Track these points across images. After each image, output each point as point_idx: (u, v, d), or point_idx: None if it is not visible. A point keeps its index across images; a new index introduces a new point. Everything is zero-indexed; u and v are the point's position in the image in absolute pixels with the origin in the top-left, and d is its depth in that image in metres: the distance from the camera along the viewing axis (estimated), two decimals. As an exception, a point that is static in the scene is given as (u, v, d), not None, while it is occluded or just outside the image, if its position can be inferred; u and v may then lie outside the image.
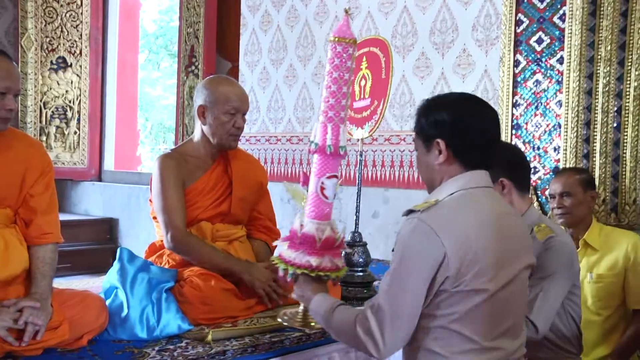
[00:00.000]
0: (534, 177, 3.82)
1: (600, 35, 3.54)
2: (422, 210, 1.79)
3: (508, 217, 1.90)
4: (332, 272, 1.93)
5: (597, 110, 3.56)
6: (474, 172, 1.88)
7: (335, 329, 1.87)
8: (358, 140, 3.24)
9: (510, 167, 2.51)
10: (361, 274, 2.95)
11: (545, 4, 3.79)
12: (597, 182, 3.55)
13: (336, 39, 1.93)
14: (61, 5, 7.37)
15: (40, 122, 7.32)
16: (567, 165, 3.62)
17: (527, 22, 3.85)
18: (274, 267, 2.68)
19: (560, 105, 3.68)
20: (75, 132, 7.51)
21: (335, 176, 1.95)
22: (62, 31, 7.40)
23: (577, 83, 3.59)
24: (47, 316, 2.09)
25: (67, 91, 7.46)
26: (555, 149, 3.72)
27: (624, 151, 3.53)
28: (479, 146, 1.88)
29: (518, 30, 3.89)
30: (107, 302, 2.39)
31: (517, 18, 3.89)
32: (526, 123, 3.85)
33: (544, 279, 2.38)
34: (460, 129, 1.87)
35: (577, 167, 3.55)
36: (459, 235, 1.74)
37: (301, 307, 2.04)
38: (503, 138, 3.92)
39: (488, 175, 1.91)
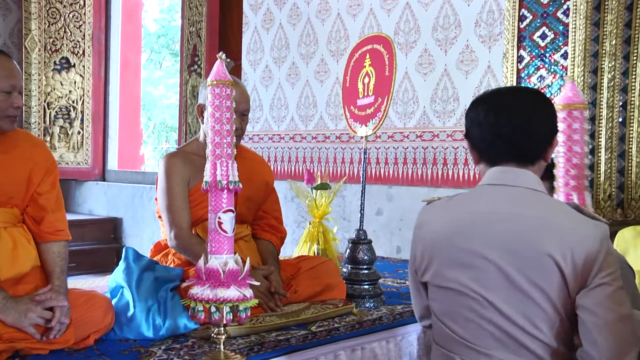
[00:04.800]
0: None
1: (605, 29, 3.52)
2: (428, 202, 1.92)
3: (513, 217, 1.75)
4: (240, 303, 1.97)
5: (602, 105, 3.55)
6: (492, 169, 1.83)
7: None
8: (362, 137, 3.23)
9: None
10: (366, 271, 2.94)
11: (548, -1, 3.78)
12: (602, 178, 3.54)
13: (214, 82, 2.02)
14: (64, 6, 7.38)
15: (44, 122, 7.33)
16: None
17: (531, 17, 3.84)
18: (272, 275, 2.69)
19: (565, 101, 3.67)
20: (78, 132, 7.52)
21: (231, 210, 2.00)
22: (65, 32, 7.40)
23: (582, 78, 3.57)
24: (69, 312, 2.15)
25: (70, 91, 7.46)
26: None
27: (630, 146, 3.52)
28: (483, 141, 1.84)
29: (521, 26, 3.88)
30: (113, 301, 2.39)
31: (521, 13, 3.88)
32: (530, 119, 3.84)
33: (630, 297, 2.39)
34: (467, 126, 1.89)
35: None
36: (432, 230, 1.85)
37: (221, 346, 2.05)
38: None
39: (513, 171, 1.80)
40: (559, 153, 2.10)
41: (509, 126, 1.78)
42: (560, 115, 2.06)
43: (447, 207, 1.86)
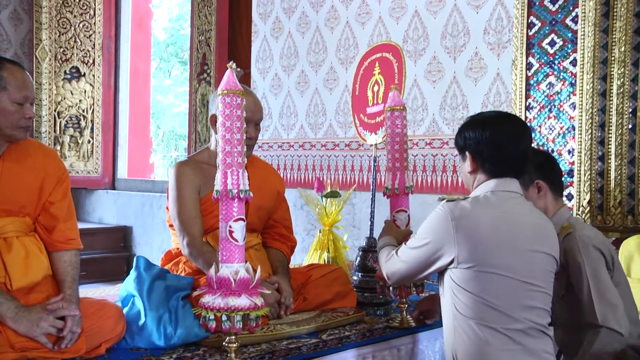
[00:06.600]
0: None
1: (614, 36, 3.52)
2: (448, 199, 2.19)
3: (532, 218, 2.21)
4: (252, 311, 1.97)
5: (611, 112, 3.54)
6: (500, 180, 2.21)
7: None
8: (371, 145, 3.24)
9: (544, 169, 2.51)
10: (377, 279, 2.94)
11: (557, 6, 3.77)
12: (612, 185, 3.53)
13: (225, 91, 2.02)
14: (74, 16, 7.43)
15: (55, 131, 7.37)
16: (582, 168, 3.59)
17: (539, 24, 3.83)
18: (281, 285, 2.69)
19: (574, 108, 3.66)
20: (89, 141, 7.56)
21: (242, 219, 2.01)
22: (75, 41, 7.45)
23: (591, 85, 3.57)
24: (80, 321, 2.16)
25: (80, 100, 7.50)
26: (569, 152, 3.69)
27: (640, 153, 3.51)
28: (498, 159, 2.20)
29: (530, 33, 3.88)
30: (124, 310, 2.40)
31: (529, 21, 3.88)
32: (540, 126, 3.83)
33: (588, 278, 2.26)
34: (472, 142, 2.24)
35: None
36: (474, 223, 2.10)
37: (233, 355, 2.06)
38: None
39: (515, 182, 2.23)
40: None
41: (524, 150, 2.24)
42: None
43: (479, 205, 2.15)
